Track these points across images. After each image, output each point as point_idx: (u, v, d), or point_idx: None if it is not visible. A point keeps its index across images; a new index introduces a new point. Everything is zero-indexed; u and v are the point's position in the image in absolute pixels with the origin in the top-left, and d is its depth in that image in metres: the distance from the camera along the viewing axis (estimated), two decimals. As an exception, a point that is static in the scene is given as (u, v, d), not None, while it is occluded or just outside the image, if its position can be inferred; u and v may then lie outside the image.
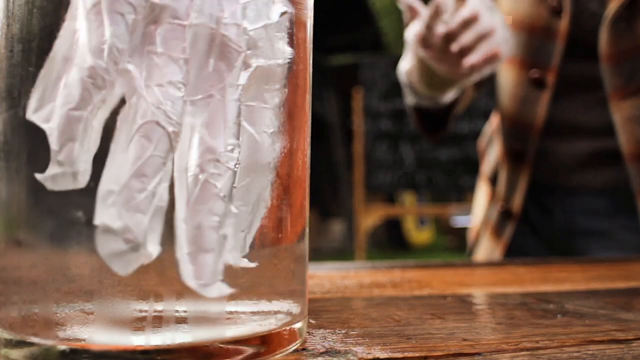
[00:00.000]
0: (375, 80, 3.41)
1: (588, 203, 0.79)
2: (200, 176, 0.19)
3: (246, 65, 0.20)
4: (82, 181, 0.19)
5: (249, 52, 0.20)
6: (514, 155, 0.83)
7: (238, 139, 0.20)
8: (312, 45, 0.25)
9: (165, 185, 0.18)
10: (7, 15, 0.21)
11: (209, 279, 0.19)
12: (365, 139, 3.28)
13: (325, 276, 0.50)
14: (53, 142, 0.18)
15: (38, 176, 0.19)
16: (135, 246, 0.18)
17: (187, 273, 0.19)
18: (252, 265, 0.20)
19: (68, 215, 0.19)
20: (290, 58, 0.21)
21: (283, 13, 0.21)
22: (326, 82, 6.79)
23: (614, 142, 0.74)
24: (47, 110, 0.19)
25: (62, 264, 0.20)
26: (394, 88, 3.45)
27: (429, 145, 3.19)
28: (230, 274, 0.20)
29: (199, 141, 0.19)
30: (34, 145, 0.19)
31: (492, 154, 0.91)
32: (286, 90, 0.21)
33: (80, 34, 0.18)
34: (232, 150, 0.19)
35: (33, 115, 0.19)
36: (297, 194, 0.24)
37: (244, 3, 0.20)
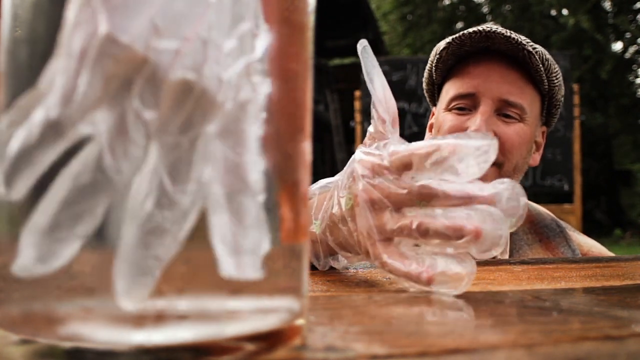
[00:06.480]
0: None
1: None
2: (146, 224, 0.18)
3: (221, 109, 0.19)
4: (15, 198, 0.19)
5: (226, 94, 0.19)
6: None
7: (199, 182, 0.19)
8: (312, 48, 0.25)
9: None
10: (13, 16, 0.21)
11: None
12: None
13: (325, 274, 0.51)
14: (3, 167, 0.19)
15: None
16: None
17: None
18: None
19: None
20: (269, 87, 0.21)
21: (266, 47, 0.20)
22: (326, 83, 6.79)
23: None
24: (11, 132, 0.19)
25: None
26: (394, 89, 3.45)
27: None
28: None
29: (156, 186, 0.19)
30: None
31: None
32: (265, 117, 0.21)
33: (58, 75, 0.18)
34: (184, 197, 0.19)
35: (5, 128, 0.19)
36: (298, 193, 0.24)
37: (227, 51, 0.19)
